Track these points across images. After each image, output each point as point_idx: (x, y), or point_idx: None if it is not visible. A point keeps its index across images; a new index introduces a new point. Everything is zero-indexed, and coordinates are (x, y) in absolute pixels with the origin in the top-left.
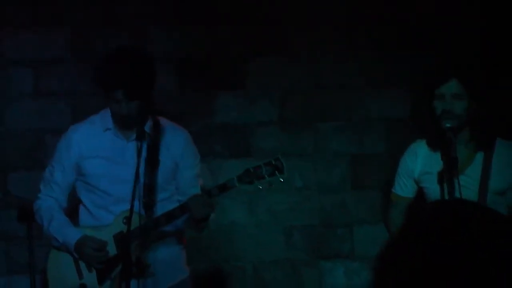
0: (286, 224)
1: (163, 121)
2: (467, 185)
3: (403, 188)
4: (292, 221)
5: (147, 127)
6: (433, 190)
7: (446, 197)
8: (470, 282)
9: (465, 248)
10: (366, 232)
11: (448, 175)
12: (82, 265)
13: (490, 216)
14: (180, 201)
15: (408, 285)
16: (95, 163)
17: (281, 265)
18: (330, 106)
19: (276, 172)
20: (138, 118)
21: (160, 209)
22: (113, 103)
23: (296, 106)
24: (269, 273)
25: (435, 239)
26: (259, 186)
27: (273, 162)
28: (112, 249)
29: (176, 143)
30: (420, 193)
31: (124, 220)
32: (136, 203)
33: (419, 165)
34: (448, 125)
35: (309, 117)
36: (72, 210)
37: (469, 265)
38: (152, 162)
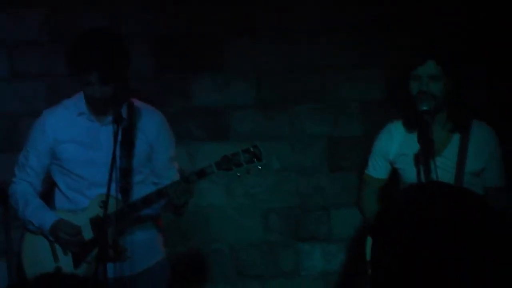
0: (263, 207)
1: (138, 103)
2: (444, 167)
3: (377, 169)
4: (269, 203)
5: (122, 110)
6: (409, 171)
7: (422, 178)
8: (452, 264)
9: (445, 231)
10: (343, 215)
11: (424, 157)
12: (58, 248)
13: (466, 197)
14: (156, 184)
15: (391, 269)
16: (70, 147)
17: (258, 247)
18: (306, 87)
19: (254, 159)
20: (112, 101)
21: (136, 192)
22: (86, 86)
23: (272, 88)
24: (246, 255)
25: (414, 223)
26: (237, 174)
27: (251, 149)
28: (88, 233)
29: (151, 126)
30: (393, 174)
31: (101, 204)
32: (113, 186)
33: (395, 146)
34: (425, 107)
35: (285, 99)
36: (47, 192)
37: (450, 248)
38: (128, 145)
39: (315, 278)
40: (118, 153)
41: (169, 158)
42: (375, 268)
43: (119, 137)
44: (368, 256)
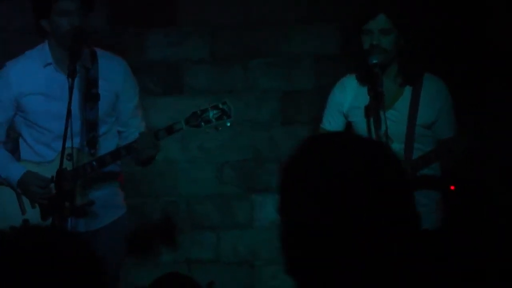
0: (218, 160)
1: (100, 51)
2: (396, 119)
3: (331, 123)
4: (223, 157)
5: (85, 59)
6: (360, 124)
7: (373, 131)
8: (347, 207)
9: (347, 178)
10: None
11: (374, 109)
12: (25, 200)
13: (362, 143)
14: (120, 132)
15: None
16: (35, 100)
17: (213, 199)
18: (260, 42)
19: (224, 116)
20: (74, 48)
21: (102, 143)
22: (60, 20)
23: (226, 43)
24: (201, 207)
25: (315, 171)
26: (206, 130)
27: (220, 106)
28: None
29: (116, 74)
30: (348, 128)
31: (68, 157)
32: (79, 139)
33: (348, 99)
34: (374, 61)
35: (239, 54)
36: (12, 143)
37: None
38: (92, 96)
39: (268, 228)
40: (81, 104)
41: (134, 106)
42: (286, 221)
43: (83, 88)
44: None
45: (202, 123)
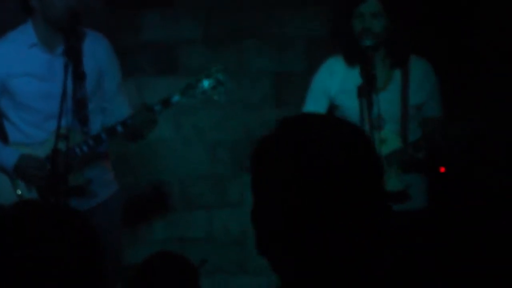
0: (210, 140)
1: (83, 30)
2: (389, 101)
3: (316, 106)
4: (216, 137)
5: (72, 38)
6: (351, 107)
7: (365, 113)
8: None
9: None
10: None
11: (366, 91)
12: (20, 184)
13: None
14: (105, 109)
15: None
16: (24, 81)
17: (206, 179)
18: (253, 23)
19: (219, 84)
20: (62, 26)
21: (91, 121)
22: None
23: (220, 24)
24: (194, 187)
25: (290, 151)
26: (202, 100)
27: (214, 74)
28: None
29: (100, 52)
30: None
31: (63, 137)
32: (71, 118)
33: (336, 82)
34: (368, 43)
35: (233, 35)
36: None
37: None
38: (80, 75)
39: None
40: (71, 84)
41: (118, 83)
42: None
43: (72, 68)
44: None
45: (198, 94)
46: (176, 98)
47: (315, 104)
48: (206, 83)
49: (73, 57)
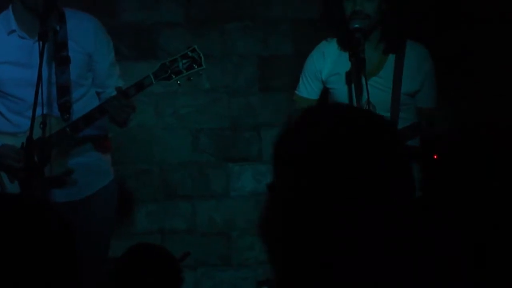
0: (193, 127)
1: (69, 12)
2: (381, 87)
3: (308, 89)
4: (199, 124)
5: (53, 21)
6: (341, 91)
7: (354, 98)
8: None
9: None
10: (274, 135)
11: (355, 76)
12: (3, 175)
13: (368, 118)
14: (99, 93)
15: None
16: (4, 69)
17: (188, 167)
18: (237, 5)
19: (194, 65)
20: (42, 10)
21: (80, 107)
22: None
23: (202, 6)
24: (176, 175)
25: (316, 141)
26: (177, 82)
27: (190, 54)
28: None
29: (86, 33)
30: (324, 95)
31: (41, 126)
32: (51, 105)
33: (327, 65)
34: (356, 25)
35: (215, 17)
36: None
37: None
38: (62, 59)
39: (246, 198)
40: (53, 69)
41: (109, 64)
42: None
43: (51, 52)
44: None
45: (173, 75)
46: (149, 80)
47: (307, 87)
48: (180, 64)
49: (56, 42)
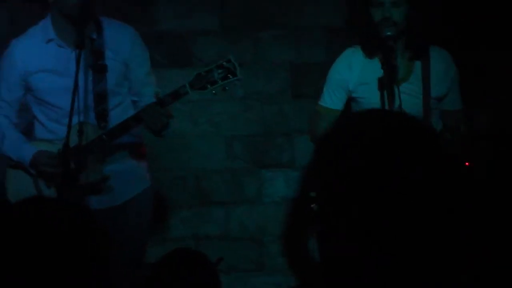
0: (227, 134)
1: (107, 20)
2: (411, 93)
3: (333, 100)
4: (233, 131)
5: (90, 30)
6: (371, 99)
7: (386, 105)
8: (395, 191)
9: (392, 157)
10: (305, 142)
11: (388, 82)
12: (41, 182)
13: (418, 126)
14: (135, 102)
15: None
16: (42, 77)
17: (222, 174)
18: (270, 13)
19: (229, 75)
20: (79, 19)
21: (116, 115)
22: None
23: (235, 14)
24: (210, 182)
25: (361, 146)
26: (212, 92)
27: (225, 64)
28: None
29: (123, 42)
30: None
31: (78, 133)
32: (88, 113)
33: (354, 75)
34: (389, 33)
35: (248, 25)
36: (28, 125)
37: (396, 174)
38: (99, 68)
39: (278, 204)
40: (90, 78)
41: (145, 73)
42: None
43: (90, 61)
44: None
45: (208, 85)
46: (185, 90)
47: (333, 97)
48: (216, 74)
49: (93, 50)
